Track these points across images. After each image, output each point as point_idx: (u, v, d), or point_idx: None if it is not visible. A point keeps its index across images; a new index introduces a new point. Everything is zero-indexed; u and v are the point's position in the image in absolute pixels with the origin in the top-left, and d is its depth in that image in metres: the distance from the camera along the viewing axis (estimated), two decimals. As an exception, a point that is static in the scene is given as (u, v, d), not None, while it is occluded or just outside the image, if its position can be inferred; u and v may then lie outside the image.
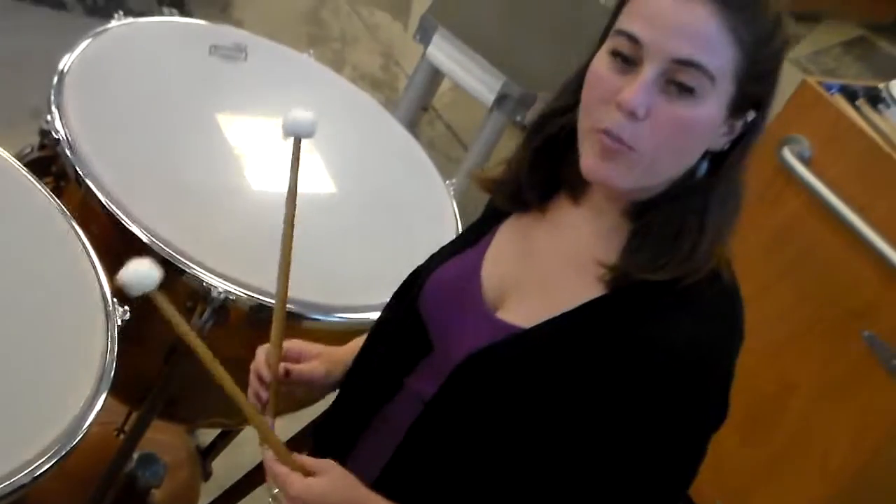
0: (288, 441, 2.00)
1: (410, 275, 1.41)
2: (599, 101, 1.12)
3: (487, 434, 1.20)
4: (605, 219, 1.21)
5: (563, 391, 1.14)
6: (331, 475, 1.20)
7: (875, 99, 2.52)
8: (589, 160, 1.14)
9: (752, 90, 1.13)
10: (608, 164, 1.13)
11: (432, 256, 1.40)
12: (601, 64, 1.14)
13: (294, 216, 1.40)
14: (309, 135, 1.42)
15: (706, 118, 1.11)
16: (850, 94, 2.50)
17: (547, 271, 1.23)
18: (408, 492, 1.25)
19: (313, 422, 2.03)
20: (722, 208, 1.15)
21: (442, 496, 1.24)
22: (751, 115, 1.15)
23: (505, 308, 1.25)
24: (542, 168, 1.27)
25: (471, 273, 1.29)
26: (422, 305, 1.32)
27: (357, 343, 1.47)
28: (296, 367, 1.43)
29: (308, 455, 1.26)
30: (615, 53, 1.12)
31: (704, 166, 1.16)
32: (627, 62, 1.11)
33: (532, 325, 1.19)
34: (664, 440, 1.13)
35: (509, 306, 1.24)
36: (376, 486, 1.25)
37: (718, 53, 1.08)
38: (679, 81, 1.09)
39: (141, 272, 1.16)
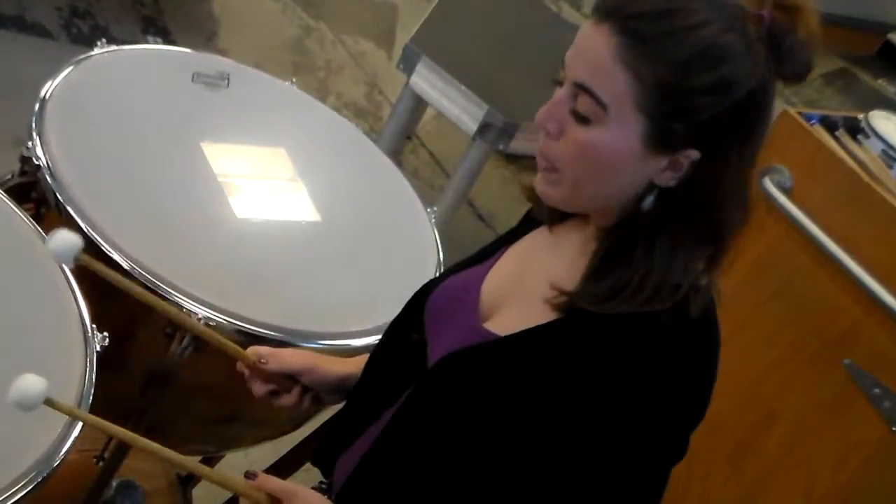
0: (279, 461, 2.00)
1: (419, 290, 1.44)
2: None
3: (450, 437, 1.22)
4: (585, 242, 1.23)
5: (520, 401, 1.16)
6: (298, 501, 1.22)
7: (854, 129, 2.54)
8: (536, 177, 1.20)
9: (676, 127, 1.10)
10: (542, 181, 1.18)
11: (444, 272, 1.45)
12: (556, 91, 1.16)
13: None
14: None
15: (608, 144, 1.11)
16: (830, 125, 2.51)
17: (534, 287, 1.24)
18: (375, 492, 1.30)
19: (300, 443, 2.04)
20: (672, 248, 1.14)
21: (403, 497, 1.27)
22: (694, 155, 1.12)
23: (493, 319, 1.27)
24: None
25: (471, 286, 1.33)
26: (426, 318, 1.37)
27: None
28: (265, 350, 1.51)
29: (285, 478, 1.27)
30: (556, 80, 1.16)
31: (650, 199, 1.15)
32: (561, 85, 1.15)
33: (506, 334, 1.21)
34: (607, 459, 1.13)
35: (496, 318, 1.27)
36: (349, 482, 1.30)
37: (610, 82, 1.09)
38: (575, 108, 1.12)
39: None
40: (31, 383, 1.14)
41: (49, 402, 1.15)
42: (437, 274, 1.90)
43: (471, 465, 1.20)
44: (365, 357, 1.49)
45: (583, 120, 1.11)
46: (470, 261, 1.40)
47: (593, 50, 1.10)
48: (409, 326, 1.41)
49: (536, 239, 1.34)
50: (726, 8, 1.11)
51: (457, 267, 1.42)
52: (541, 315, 1.19)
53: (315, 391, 1.52)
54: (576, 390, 1.12)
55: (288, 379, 1.51)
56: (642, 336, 1.12)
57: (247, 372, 1.52)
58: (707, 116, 1.10)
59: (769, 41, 1.11)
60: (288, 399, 1.51)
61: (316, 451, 1.48)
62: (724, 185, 1.14)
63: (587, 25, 1.12)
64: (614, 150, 1.12)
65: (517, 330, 1.20)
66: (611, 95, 1.09)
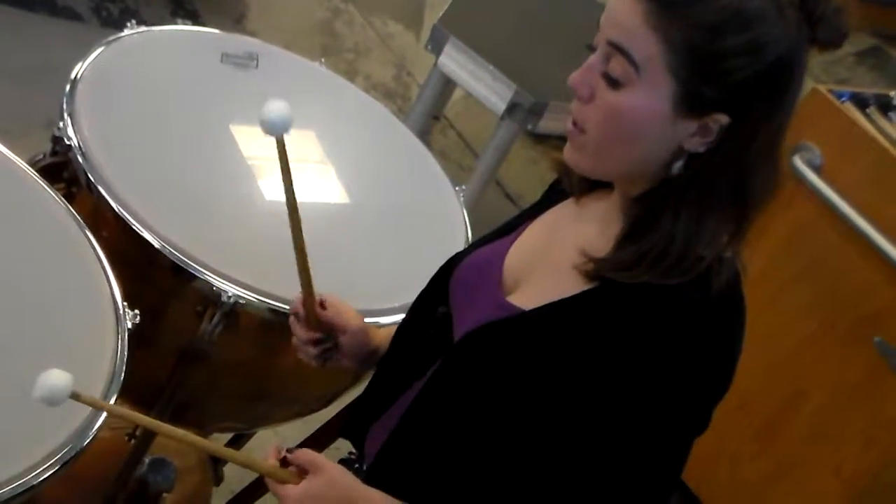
0: (308, 438, 2.01)
1: (445, 263, 1.44)
2: None
3: (477, 411, 1.22)
4: (611, 211, 1.23)
5: (547, 374, 1.17)
6: (325, 475, 1.22)
7: (886, 106, 2.53)
8: (566, 146, 1.20)
9: (705, 91, 1.11)
10: (571, 147, 1.19)
11: (469, 245, 1.45)
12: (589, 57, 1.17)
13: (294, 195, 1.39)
14: (284, 131, 1.35)
15: (638, 106, 1.12)
16: (861, 102, 2.50)
17: (560, 259, 1.24)
18: (406, 465, 1.30)
19: (329, 421, 2.04)
20: (698, 213, 1.14)
21: (434, 471, 1.27)
22: (723, 119, 1.12)
23: (517, 292, 1.27)
24: None
25: (496, 259, 1.33)
26: (451, 292, 1.38)
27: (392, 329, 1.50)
28: (331, 298, 1.48)
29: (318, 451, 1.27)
30: (589, 45, 1.17)
31: (678, 165, 1.15)
32: (593, 50, 1.16)
33: (532, 307, 1.22)
34: (631, 428, 1.14)
35: (521, 290, 1.27)
36: (378, 459, 1.31)
37: (641, 43, 1.10)
38: (608, 71, 1.13)
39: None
40: (55, 379, 1.14)
41: (74, 397, 1.15)
42: (465, 249, 1.91)
43: (499, 436, 1.21)
44: (392, 330, 1.50)
45: (614, 82, 1.12)
46: (495, 234, 1.40)
47: (625, 13, 1.11)
48: (435, 300, 1.41)
49: (562, 212, 1.34)
50: None
51: (482, 241, 1.42)
52: (566, 286, 1.20)
53: (339, 351, 1.50)
54: (601, 362, 1.13)
55: (327, 337, 1.49)
56: (668, 307, 1.13)
57: (301, 311, 1.47)
58: (737, 79, 1.10)
59: (802, 6, 1.12)
60: (302, 334, 1.47)
61: (347, 421, 1.49)
62: (752, 152, 1.14)
63: None
64: (644, 113, 1.13)
65: (542, 303, 1.21)
66: (643, 57, 1.10)
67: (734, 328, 1.17)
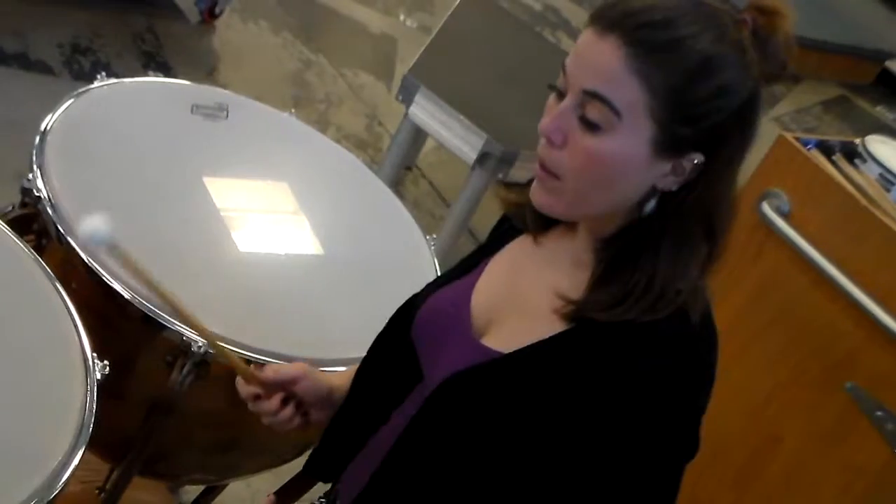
0: (280, 489, 1.99)
1: (404, 303, 1.44)
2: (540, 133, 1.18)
3: (461, 456, 1.22)
4: (584, 253, 1.24)
5: (533, 417, 1.17)
6: None
7: (851, 154, 2.55)
8: (532, 186, 1.20)
9: (683, 132, 1.13)
10: (541, 190, 1.19)
11: (427, 286, 1.43)
12: (550, 98, 1.18)
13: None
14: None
15: (618, 151, 1.13)
16: (827, 150, 2.52)
17: (529, 299, 1.25)
18: None
19: (300, 473, 2.02)
20: (676, 251, 1.16)
21: None
22: (697, 158, 1.15)
23: (489, 334, 1.27)
24: None
25: (461, 301, 1.32)
26: (413, 333, 1.37)
27: (352, 371, 1.50)
28: (271, 365, 1.50)
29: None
30: (552, 86, 1.17)
31: (652, 204, 1.17)
32: (560, 93, 1.16)
33: (511, 350, 1.22)
34: (627, 466, 1.15)
35: (493, 333, 1.27)
36: (359, 502, 1.30)
37: (623, 90, 1.11)
38: (585, 116, 1.13)
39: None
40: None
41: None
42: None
43: (485, 478, 1.21)
44: (352, 372, 1.49)
45: (592, 128, 1.13)
46: (453, 274, 1.40)
47: (603, 61, 1.11)
48: (397, 340, 1.40)
49: (519, 249, 1.34)
50: (717, 15, 1.14)
51: (441, 280, 1.41)
52: (544, 328, 1.20)
53: (305, 403, 1.50)
54: (588, 399, 1.14)
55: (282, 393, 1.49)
56: (651, 342, 1.14)
57: (244, 388, 1.48)
58: (714, 121, 1.13)
59: (757, 45, 1.15)
60: (269, 405, 1.47)
61: (316, 461, 1.48)
62: (721, 186, 1.18)
63: (589, 35, 1.13)
64: (625, 157, 1.14)
65: (522, 345, 1.21)
66: (624, 103, 1.11)
67: (712, 352, 1.20)
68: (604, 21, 1.12)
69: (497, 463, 1.20)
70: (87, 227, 1.31)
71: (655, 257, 1.15)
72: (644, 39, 1.10)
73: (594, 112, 1.12)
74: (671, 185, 1.16)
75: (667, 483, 1.18)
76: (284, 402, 1.48)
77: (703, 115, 1.13)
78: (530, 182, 1.26)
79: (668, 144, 1.14)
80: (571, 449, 1.15)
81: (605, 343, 1.16)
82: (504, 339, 1.25)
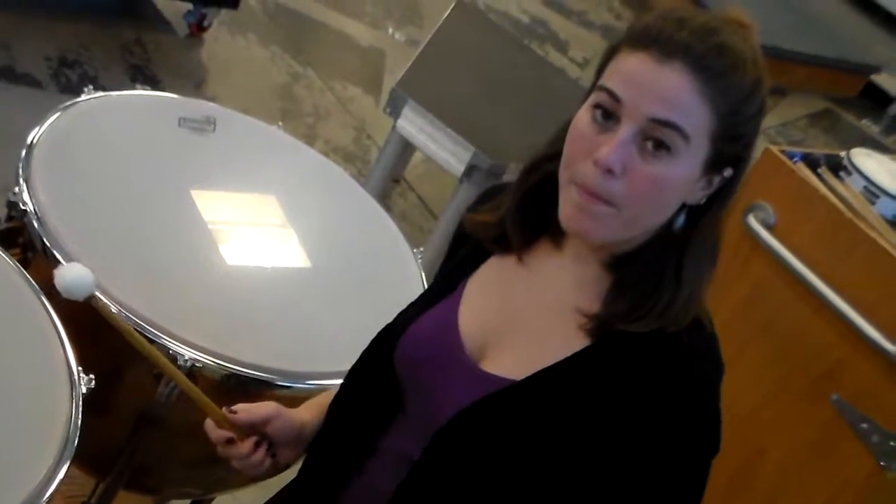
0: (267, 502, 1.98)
1: (381, 332, 1.40)
2: (579, 156, 1.15)
3: (482, 490, 1.20)
4: (587, 268, 1.23)
5: (560, 441, 1.16)
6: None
7: (837, 167, 2.57)
8: (567, 211, 1.17)
9: (729, 149, 1.16)
10: (585, 217, 1.16)
11: (402, 312, 1.39)
12: (583, 119, 1.16)
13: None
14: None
15: (681, 175, 1.14)
16: (812, 163, 2.54)
17: (529, 320, 1.24)
18: None
19: (288, 485, 2.01)
20: (698, 261, 1.18)
21: None
22: (728, 172, 1.18)
23: (488, 360, 1.25)
24: (529, 211, 1.28)
25: (448, 326, 1.29)
26: (397, 362, 1.32)
27: (326, 399, 1.47)
28: (242, 406, 1.45)
29: None
30: (597, 106, 1.15)
31: (682, 219, 1.19)
32: (607, 117, 1.14)
33: (523, 376, 1.20)
34: (667, 481, 1.16)
35: (493, 358, 1.25)
36: None
37: (693, 116, 1.12)
38: (656, 137, 1.12)
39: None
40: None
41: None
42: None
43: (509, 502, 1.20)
44: (318, 402, 1.48)
45: (658, 154, 1.13)
46: (429, 298, 1.36)
47: (670, 87, 1.11)
48: (377, 369, 1.36)
49: (499, 268, 1.31)
50: (746, 28, 1.18)
51: (418, 306, 1.36)
52: (559, 348, 1.20)
53: (275, 444, 1.46)
54: (623, 412, 1.15)
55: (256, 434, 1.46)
56: (678, 352, 1.16)
57: (215, 432, 1.45)
58: (752, 137, 1.18)
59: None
60: (241, 449, 1.43)
61: (293, 493, 1.46)
62: (733, 196, 1.21)
63: (647, 62, 1.12)
64: (685, 179, 1.16)
65: (536, 368, 1.20)
66: (692, 129, 1.12)
67: (721, 365, 1.23)
68: (663, 48, 1.12)
69: (520, 492, 1.18)
70: (67, 278, 1.33)
71: (681, 268, 1.17)
72: (708, 66, 1.11)
73: (662, 138, 1.12)
74: (700, 199, 1.19)
75: (701, 485, 1.20)
76: (256, 445, 1.44)
77: (748, 132, 1.17)
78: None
79: (716, 162, 1.16)
80: (607, 465, 1.15)
81: (634, 355, 1.16)
82: (509, 364, 1.22)
